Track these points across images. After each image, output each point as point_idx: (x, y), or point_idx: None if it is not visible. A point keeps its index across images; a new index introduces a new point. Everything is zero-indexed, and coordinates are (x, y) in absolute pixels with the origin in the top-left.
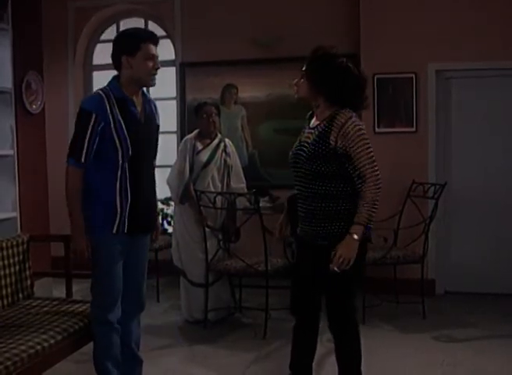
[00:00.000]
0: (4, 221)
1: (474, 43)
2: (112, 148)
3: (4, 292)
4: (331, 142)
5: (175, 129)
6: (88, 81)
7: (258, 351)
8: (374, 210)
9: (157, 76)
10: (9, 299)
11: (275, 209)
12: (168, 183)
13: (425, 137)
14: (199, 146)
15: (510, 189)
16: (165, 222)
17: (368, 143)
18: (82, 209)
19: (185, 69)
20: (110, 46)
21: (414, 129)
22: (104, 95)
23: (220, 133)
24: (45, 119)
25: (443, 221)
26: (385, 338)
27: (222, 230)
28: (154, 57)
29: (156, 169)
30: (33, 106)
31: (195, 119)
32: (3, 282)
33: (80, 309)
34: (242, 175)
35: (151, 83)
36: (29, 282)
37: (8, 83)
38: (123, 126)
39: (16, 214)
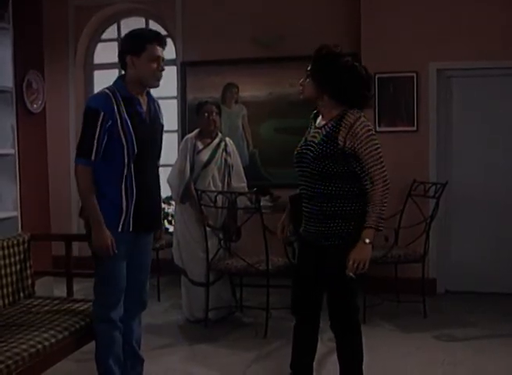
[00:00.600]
0: (5, 220)
1: (475, 42)
2: (118, 147)
3: (5, 291)
4: (339, 142)
5: (176, 128)
6: (89, 80)
7: (259, 350)
8: (383, 212)
9: None
10: (10, 298)
11: (275, 209)
12: (168, 182)
13: (426, 136)
14: (200, 145)
15: (510, 188)
16: (165, 221)
17: (377, 144)
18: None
19: (186, 68)
20: (111, 45)
21: (415, 128)
22: (110, 94)
23: (221, 132)
24: (46, 119)
25: (444, 220)
26: (386, 337)
27: (222, 230)
28: (159, 59)
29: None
30: (34, 105)
31: (196, 118)
32: (4, 281)
33: (81, 308)
34: (243, 174)
35: (154, 84)
36: (30, 281)
37: (9, 82)
38: (130, 125)
39: (16, 213)
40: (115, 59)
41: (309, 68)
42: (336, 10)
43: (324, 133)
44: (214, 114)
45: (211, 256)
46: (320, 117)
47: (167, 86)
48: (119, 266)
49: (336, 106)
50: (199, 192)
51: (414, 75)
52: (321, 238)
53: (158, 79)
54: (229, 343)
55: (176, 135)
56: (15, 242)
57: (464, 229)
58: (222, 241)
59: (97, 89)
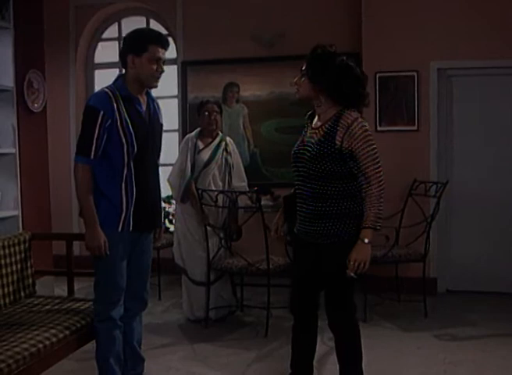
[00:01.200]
0: (6, 219)
1: (476, 41)
2: (118, 146)
3: (6, 290)
4: (336, 142)
5: (176, 127)
6: (90, 80)
7: (260, 349)
8: (380, 211)
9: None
10: (11, 297)
11: (276, 208)
12: (169, 181)
13: (427, 135)
14: (200, 145)
15: (511, 188)
16: (166, 220)
17: (374, 144)
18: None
19: (186, 67)
20: (112, 44)
21: (415, 127)
22: (110, 93)
23: (221, 131)
24: (47, 118)
25: (445, 220)
26: (387, 337)
27: (223, 229)
28: (159, 60)
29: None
30: (35, 105)
31: (197, 117)
32: (5, 280)
33: (82, 307)
34: (243, 173)
35: (152, 84)
36: (30, 280)
37: (9, 81)
38: (129, 124)
39: (17, 212)
40: (116, 59)
41: (304, 67)
42: (337, 9)
43: (321, 133)
44: (215, 113)
45: (211, 256)
46: (316, 117)
47: (168, 85)
48: (119, 265)
49: (332, 106)
50: (200, 191)
51: (415, 74)
52: (318, 237)
53: (157, 80)
54: (230, 342)
55: (176, 134)
56: (16, 241)
57: (465, 228)
58: (222, 241)
59: (97, 88)
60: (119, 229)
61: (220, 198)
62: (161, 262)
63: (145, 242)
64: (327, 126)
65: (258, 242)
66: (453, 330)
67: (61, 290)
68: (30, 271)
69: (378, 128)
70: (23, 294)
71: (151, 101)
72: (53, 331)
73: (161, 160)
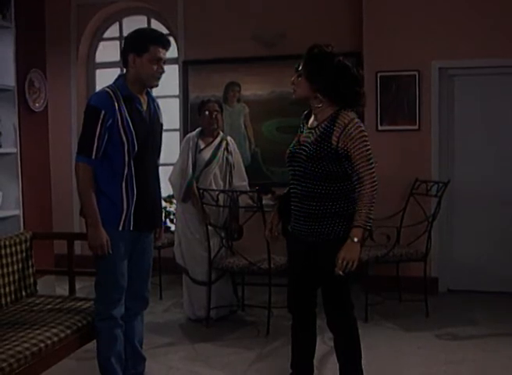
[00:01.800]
0: (7, 219)
1: (478, 40)
2: (119, 145)
3: (7, 290)
4: (333, 142)
5: (177, 127)
6: (91, 79)
7: (261, 348)
8: (371, 211)
9: None
10: (13, 297)
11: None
12: (170, 181)
13: (428, 134)
14: (201, 144)
15: None
16: (167, 220)
17: (368, 145)
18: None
19: (188, 66)
20: (113, 44)
21: (417, 127)
22: (111, 92)
23: (222, 131)
24: (48, 117)
25: (446, 219)
26: (388, 336)
27: (224, 228)
28: (160, 60)
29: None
30: (36, 104)
31: (198, 116)
32: (6, 280)
33: (83, 307)
34: (244, 173)
35: (152, 84)
36: (32, 279)
37: (11, 81)
38: (130, 124)
39: (18, 212)
40: (117, 58)
41: (300, 67)
42: (338, 9)
43: (318, 133)
44: (216, 113)
45: (212, 255)
46: (312, 117)
47: (169, 85)
48: (120, 265)
49: (329, 106)
50: (201, 191)
51: (416, 74)
52: (312, 236)
53: (157, 79)
54: (231, 342)
55: (177, 134)
56: (17, 241)
57: (466, 228)
58: (223, 240)
59: (99, 88)
60: (120, 228)
61: (221, 197)
62: (162, 262)
63: (146, 241)
64: (323, 125)
65: (259, 241)
66: (454, 329)
67: (62, 289)
68: (31, 270)
69: (380, 128)
70: (24, 293)
71: (152, 100)
72: (54, 330)
73: (162, 160)
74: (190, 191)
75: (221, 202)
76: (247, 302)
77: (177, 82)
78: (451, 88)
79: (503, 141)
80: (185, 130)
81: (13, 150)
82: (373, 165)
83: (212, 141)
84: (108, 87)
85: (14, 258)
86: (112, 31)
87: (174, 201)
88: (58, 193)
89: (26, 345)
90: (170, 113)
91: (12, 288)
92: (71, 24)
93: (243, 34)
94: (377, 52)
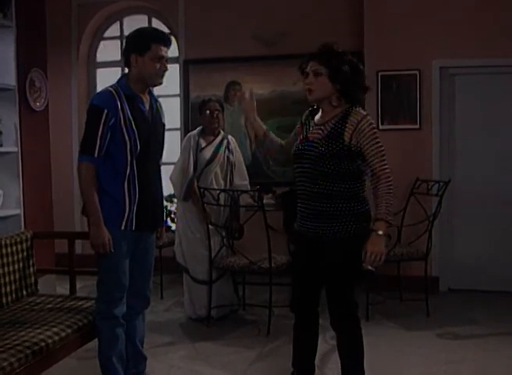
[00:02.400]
0: (8, 218)
1: (479, 40)
2: (121, 145)
3: (8, 289)
4: (345, 139)
5: (178, 126)
6: (92, 78)
7: (262, 348)
8: (391, 205)
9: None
10: (13, 296)
11: (278, 207)
12: (171, 180)
13: (429, 134)
14: (202, 143)
15: None
16: (168, 219)
17: (380, 142)
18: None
19: (188, 66)
20: (114, 43)
21: (417, 126)
22: (114, 92)
23: (223, 130)
24: (49, 117)
25: (447, 218)
26: (389, 335)
27: (225, 228)
28: (162, 58)
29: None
30: (37, 103)
31: (199, 115)
32: (7, 279)
33: (84, 306)
34: (245, 172)
35: (156, 82)
36: (33, 279)
37: (11, 80)
38: (133, 124)
39: (19, 211)
40: (118, 57)
41: (314, 67)
42: (339, 8)
43: (328, 129)
44: (217, 112)
45: (213, 254)
46: (319, 114)
47: (170, 84)
48: (122, 264)
49: (339, 103)
50: (202, 190)
51: (417, 73)
52: (322, 234)
53: (161, 77)
54: (232, 341)
55: (178, 133)
56: (18, 240)
57: (467, 227)
58: (224, 239)
59: (100, 87)
60: (122, 227)
61: (222, 196)
62: (162, 261)
63: (148, 241)
64: (333, 122)
65: (260, 241)
66: (455, 328)
67: (63, 288)
68: (32, 269)
69: (380, 127)
70: (25, 292)
71: (154, 100)
72: (55, 330)
73: (164, 158)
74: (191, 190)
75: (222, 201)
76: (248, 301)
77: (178, 81)
78: (452, 88)
79: (503, 141)
80: (186, 129)
81: (14, 149)
82: (386, 161)
83: (213, 140)
84: (110, 86)
85: (15, 258)
86: (113, 30)
87: (175, 200)
88: (59, 192)
89: (26, 344)
90: (171, 112)
91: (13, 287)
92: (72, 23)
93: (244, 34)
94: (378, 52)
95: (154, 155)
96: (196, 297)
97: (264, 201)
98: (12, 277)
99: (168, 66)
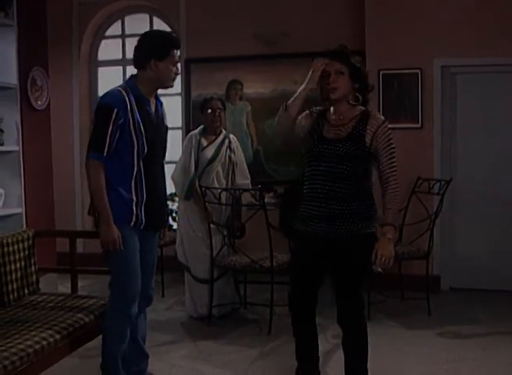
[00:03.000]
0: (9, 217)
1: (480, 38)
2: (128, 146)
3: (10, 287)
4: (366, 141)
5: (180, 125)
6: (93, 77)
7: (263, 346)
8: (397, 210)
9: None
10: (15, 294)
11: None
12: (173, 179)
13: (431, 132)
14: (204, 142)
15: None
16: (170, 218)
17: (394, 148)
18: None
19: (190, 65)
20: (115, 42)
21: (419, 125)
22: (124, 92)
23: (224, 129)
24: (50, 115)
25: (448, 217)
26: (390, 334)
27: (226, 226)
28: (177, 62)
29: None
30: (39, 102)
31: (200, 114)
32: (9, 277)
33: (86, 305)
34: (247, 171)
35: (170, 84)
36: (34, 277)
37: (13, 79)
38: (141, 126)
39: (21, 210)
40: (120, 56)
41: (336, 66)
42: (340, 7)
43: (349, 130)
44: (219, 110)
45: (214, 253)
46: (332, 115)
47: None
48: (134, 261)
49: (354, 105)
50: (203, 189)
51: (419, 72)
52: (336, 235)
53: (174, 80)
54: (233, 340)
55: (180, 132)
56: (19, 239)
57: (469, 226)
58: (226, 238)
59: (101, 86)
60: (131, 225)
61: (223, 195)
62: (164, 260)
63: (152, 240)
64: (353, 123)
65: (262, 239)
66: (456, 327)
67: (64, 287)
68: (33, 268)
69: None
70: (26, 291)
71: (159, 103)
72: (57, 328)
73: (165, 158)
74: (193, 189)
75: (223, 200)
76: (250, 300)
77: (179, 80)
78: (453, 86)
79: (505, 139)
80: (187, 128)
81: (16, 148)
82: (396, 167)
83: (215, 139)
84: (120, 86)
85: (16, 256)
86: (114, 29)
87: (176, 199)
88: (60, 191)
89: (28, 343)
90: (172, 111)
91: (15, 286)
92: (73, 22)
93: (245, 33)
94: (379, 50)
95: (158, 157)
96: (197, 296)
97: (266, 200)
98: (13, 276)
99: None
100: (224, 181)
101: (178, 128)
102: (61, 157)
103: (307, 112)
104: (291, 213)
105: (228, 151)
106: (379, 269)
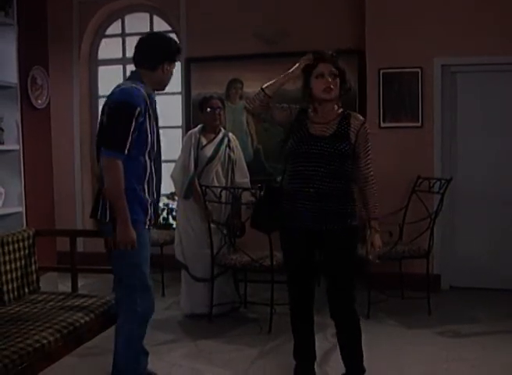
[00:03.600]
0: (10, 216)
1: (480, 37)
2: (143, 145)
3: (10, 286)
4: (351, 138)
5: (180, 124)
6: (93, 76)
7: (263, 345)
8: (377, 204)
9: None
10: (15, 293)
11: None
12: (172, 177)
13: (431, 131)
14: (203, 141)
15: None
16: (170, 217)
17: (371, 146)
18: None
19: (190, 64)
20: (115, 41)
21: (419, 124)
22: (142, 91)
23: (224, 128)
24: (50, 114)
25: (449, 216)
26: (390, 333)
27: (227, 225)
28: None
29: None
30: (39, 101)
31: (200, 113)
32: (9, 276)
33: (86, 304)
34: (246, 170)
35: (165, 88)
36: (34, 276)
37: (13, 78)
38: (154, 125)
39: (21, 209)
40: (120, 55)
41: (330, 69)
42: (340, 6)
43: (334, 128)
44: (219, 109)
45: (215, 252)
46: (314, 114)
47: (171, 82)
48: (148, 261)
49: (337, 105)
50: (204, 188)
51: (419, 71)
52: (328, 231)
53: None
54: (234, 339)
55: (180, 131)
56: (20, 237)
57: (469, 225)
58: (226, 237)
59: (101, 85)
60: (146, 226)
61: (223, 194)
62: (164, 259)
63: (150, 238)
64: (336, 122)
65: (262, 238)
66: (456, 327)
67: (64, 286)
68: (34, 267)
69: (382, 125)
70: (27, 290)
71: (154, 101)
72: (57, 327)
73: (165, 156)
74: (192, 188)
75: (223, 199)
76: (250, 299)
77: (179, 79)
78: (453, 85)
79: (505, 138)
80: (187, 126)
81: (16, 147)
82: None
83: (214, 138)
84: (135, 85)
85: (17, 255)
86: (114, 28)
87: (176, 197)
88: (61, 190)
89: (28, 342)
90: (172, 110)
91: (15, 285)
92: (73, 21)
93: (245, 32)
94: (379, 49)
95: (160, 156)
96: (194, 294)
97: None
98: (14, 275)
99: None
100: (223, 180)
101: (178, 127)
102: (61, 156)
103: (286, 105)
104: (269, 211)
105: (227, 149)
106: (377, 260)
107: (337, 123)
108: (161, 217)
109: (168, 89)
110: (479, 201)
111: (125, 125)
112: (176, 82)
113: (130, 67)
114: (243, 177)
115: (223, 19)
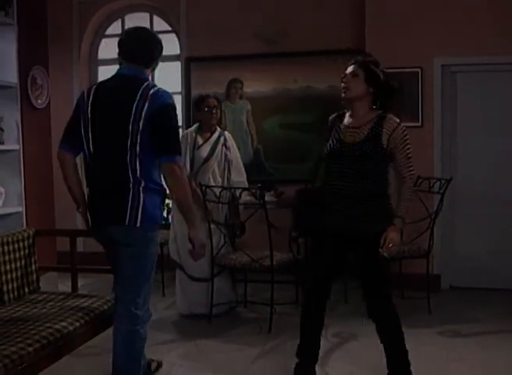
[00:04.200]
0: (9, 215)
1: (480, 37)
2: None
3: (10, 286)
4: (383, 142)
5: (180, 123)
6: (93, 76)
7: (263, 345)
8: (409, 205)
9: (162, 71)
10: (15, 293)
11: (279, 204)
12: None
13: (431, 131)
14: (200, 141)
15: None
16: (169, 216)
17: (411, 147)
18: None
19: (190, 63)
20: (115, 41)
21: (419, 124)
22: None
23: (220, 127)
24: (50, 114)
25: (449, 216)
26: None
27: (225, 225)
28: None
29: None
30: (39, 101)
31: (196, 112)
32: (9, 276)
33: (86, 304)
34: (242, 168)
35: None
36: (35, 276)
37: (13, 78)
38: None
39: (21, 208)
40: None
41: (353, 68)
42: (340, 6)
43: (365, 133)
44: (216, 108)
45: (214, 252)
46: (348, 118)
47: (171, 81)
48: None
49: (371, 108)
50: (203, 188)
51: (419, 71)
52: (363, 231)
53: None
54: (234, 338)
55: (180, 131)
56: (20, 237)
57: (469, 225)
58: (225, 236)
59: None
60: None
61: (222, 193)
62: (164, 259)
63: None
64: (370, 127)
65: (262, 238)
66: (456, 326)
67: (64, 286)
68: (34, 267)
69: None
70: (27, 290)
71: None
72: (57, 327)
73: None
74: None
75: (222, 199)
76: (250, 299)
77: (179, 79)
78: (453, 85)
79: (505, 138)
80: (187, 126)
81: (16, 147)
82: (413, 166)
83: (210, 137)
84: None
85: (17, 255)
86: (114, 28)
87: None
88: (61, 189)
89: (28, 342)
90: None
91: (15, 285)
92: (73, 21)
93: (245, 32)
94: (379, 49)
95: None
96: (190, 294)
97: (266, 198)
98: (14, 275)
99: (170, 63)
100: (220, 179)
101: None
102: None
103: (327, 127)
104: (307, 213)
105: (224, 148)
106: (385, 254)
107: (370, 127)
108: None
109: (168, 89)
110: (479, 201)
111: (177, 128)
112: (176, 82)
113: None
114: (239, 176)
115: (223, 19)
